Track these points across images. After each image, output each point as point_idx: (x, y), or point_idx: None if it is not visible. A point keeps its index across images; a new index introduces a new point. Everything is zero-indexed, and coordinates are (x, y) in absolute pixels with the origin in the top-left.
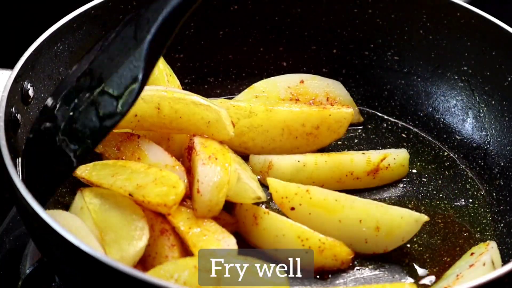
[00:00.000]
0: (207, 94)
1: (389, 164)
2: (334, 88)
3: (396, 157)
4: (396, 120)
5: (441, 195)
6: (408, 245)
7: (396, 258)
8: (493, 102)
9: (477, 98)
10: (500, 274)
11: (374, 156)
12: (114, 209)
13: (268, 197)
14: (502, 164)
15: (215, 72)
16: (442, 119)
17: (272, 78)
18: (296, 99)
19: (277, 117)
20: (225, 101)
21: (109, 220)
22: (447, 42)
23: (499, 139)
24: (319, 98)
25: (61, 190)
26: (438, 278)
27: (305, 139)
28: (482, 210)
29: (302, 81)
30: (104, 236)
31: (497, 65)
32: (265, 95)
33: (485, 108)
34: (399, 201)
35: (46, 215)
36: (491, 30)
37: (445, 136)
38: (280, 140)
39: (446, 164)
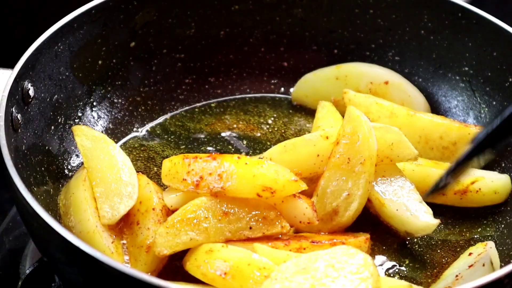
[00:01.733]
0: (207, 94)
1: (480, 188)
2: (414, 100)
3: (490, 183)
4: None
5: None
6: (408, 245)
7: (396, 258)
8: (494, 103)
9: (478, 98)
10: (500, 275)
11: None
12: (104, 158)
13: None
14: (503, 165)
15: (216, 72)
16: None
17: (361, 65)
18: None
19: (418, 123)
20: (368, 96)
21: (100, 171)
22: (448, 42)
23: None
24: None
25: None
26: (438, 278)
27: (440, 152)
28: (482, 210)
29: (386, 82)
30: (96, 188)
31: (498, 65)
32: (345, 80)
33: (486, 109)
34: None
35: (46, 215)
36: (492, 31)
37: None
38: (416, 148)
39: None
